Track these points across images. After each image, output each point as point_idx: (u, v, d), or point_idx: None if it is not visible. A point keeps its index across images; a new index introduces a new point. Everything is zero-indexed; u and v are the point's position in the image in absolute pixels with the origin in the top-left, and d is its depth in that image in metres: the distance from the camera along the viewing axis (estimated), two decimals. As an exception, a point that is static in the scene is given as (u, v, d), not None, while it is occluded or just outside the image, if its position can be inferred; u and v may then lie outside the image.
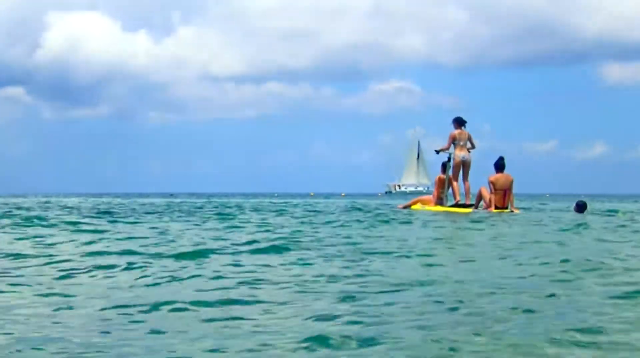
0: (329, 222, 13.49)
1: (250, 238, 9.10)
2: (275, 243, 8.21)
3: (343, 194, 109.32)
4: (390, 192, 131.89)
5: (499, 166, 18.25)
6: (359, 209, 21.47)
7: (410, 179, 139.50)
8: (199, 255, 6.94)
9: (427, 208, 19.35)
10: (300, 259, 6.67)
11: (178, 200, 43.51)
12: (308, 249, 7.63)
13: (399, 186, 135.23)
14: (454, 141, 18.91)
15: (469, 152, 18.92)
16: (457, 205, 18.54)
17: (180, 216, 16.51)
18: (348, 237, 9.32)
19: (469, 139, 18.95)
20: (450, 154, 18.96)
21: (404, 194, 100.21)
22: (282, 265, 6.29)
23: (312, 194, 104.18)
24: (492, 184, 18.04)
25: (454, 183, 18.85)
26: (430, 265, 6.14)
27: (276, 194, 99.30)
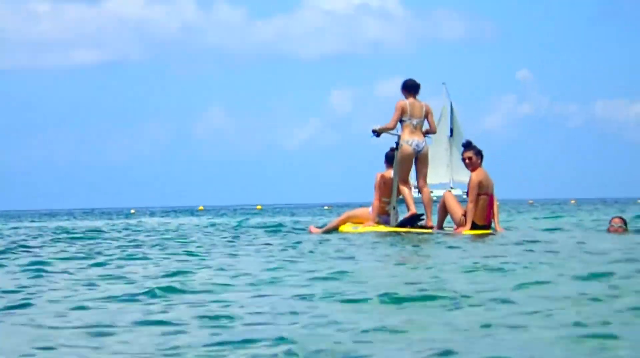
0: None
1: None
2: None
3: (259, 207, 73.05)
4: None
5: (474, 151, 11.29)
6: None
7: (438, 174, 71.31)
8: None
9: (361, 229, 12.03)
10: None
11: None
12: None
13: (416, 187, 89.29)
14: (402, 117, 11.83)
15: (425, 137, 11.87)
16: (410, 221, 11.59)
17: None
18: None
19: (427, 115, 11.87)
20: (398, 138, 11.93)
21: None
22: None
23: (201, 208, 63.94)
24: (477, 184, 11.04)
25: (404, 188, 11.89)
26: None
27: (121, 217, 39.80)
